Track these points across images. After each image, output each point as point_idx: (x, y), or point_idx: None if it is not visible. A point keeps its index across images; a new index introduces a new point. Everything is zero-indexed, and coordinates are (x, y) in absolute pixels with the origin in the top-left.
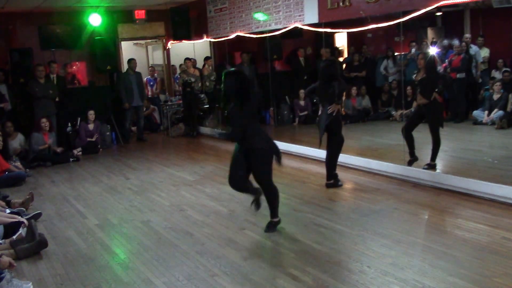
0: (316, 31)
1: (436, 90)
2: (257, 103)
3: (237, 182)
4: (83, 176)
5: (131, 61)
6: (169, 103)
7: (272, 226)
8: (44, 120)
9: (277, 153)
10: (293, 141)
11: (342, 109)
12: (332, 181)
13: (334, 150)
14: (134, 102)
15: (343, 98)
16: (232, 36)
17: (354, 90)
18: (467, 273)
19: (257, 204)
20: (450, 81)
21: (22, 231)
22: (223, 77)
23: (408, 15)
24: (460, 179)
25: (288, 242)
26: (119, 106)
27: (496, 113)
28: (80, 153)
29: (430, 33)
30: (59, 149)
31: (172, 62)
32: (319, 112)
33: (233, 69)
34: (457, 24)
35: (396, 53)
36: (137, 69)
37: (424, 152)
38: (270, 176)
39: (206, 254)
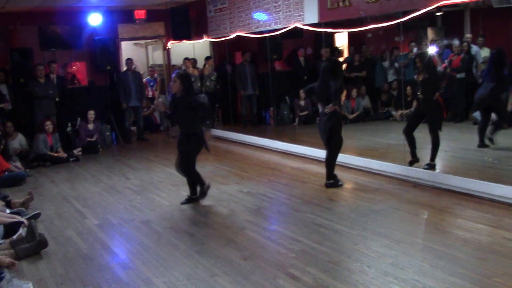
0: (316, 31)
1: (440, 91)
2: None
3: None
4: (83, 176)
5: (127, 61)
6: None
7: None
8: (48, 122)
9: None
10: (293, 141)
11: (342, 111)
12: (332, 181)
13: (333, 150)
14: (132, 102)
15: (343, 98)
16: (232, 36)
17: (354, 92)
18: (467, 273)
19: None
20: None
21: (22, 231)
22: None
23: (408, 15)
24: (460, 179)
25: (288, 242)
26: (119, 106)
27: None
28: (80, 153)
29: (430, 33)
30: (62, 154)
31: (172, 62)
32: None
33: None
34: (457, 24)
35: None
36: (138, 69)
37: (424, 152)
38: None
39: (206, 254)
